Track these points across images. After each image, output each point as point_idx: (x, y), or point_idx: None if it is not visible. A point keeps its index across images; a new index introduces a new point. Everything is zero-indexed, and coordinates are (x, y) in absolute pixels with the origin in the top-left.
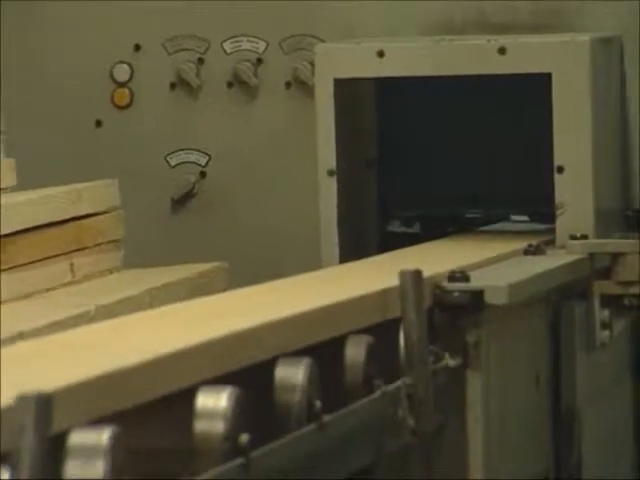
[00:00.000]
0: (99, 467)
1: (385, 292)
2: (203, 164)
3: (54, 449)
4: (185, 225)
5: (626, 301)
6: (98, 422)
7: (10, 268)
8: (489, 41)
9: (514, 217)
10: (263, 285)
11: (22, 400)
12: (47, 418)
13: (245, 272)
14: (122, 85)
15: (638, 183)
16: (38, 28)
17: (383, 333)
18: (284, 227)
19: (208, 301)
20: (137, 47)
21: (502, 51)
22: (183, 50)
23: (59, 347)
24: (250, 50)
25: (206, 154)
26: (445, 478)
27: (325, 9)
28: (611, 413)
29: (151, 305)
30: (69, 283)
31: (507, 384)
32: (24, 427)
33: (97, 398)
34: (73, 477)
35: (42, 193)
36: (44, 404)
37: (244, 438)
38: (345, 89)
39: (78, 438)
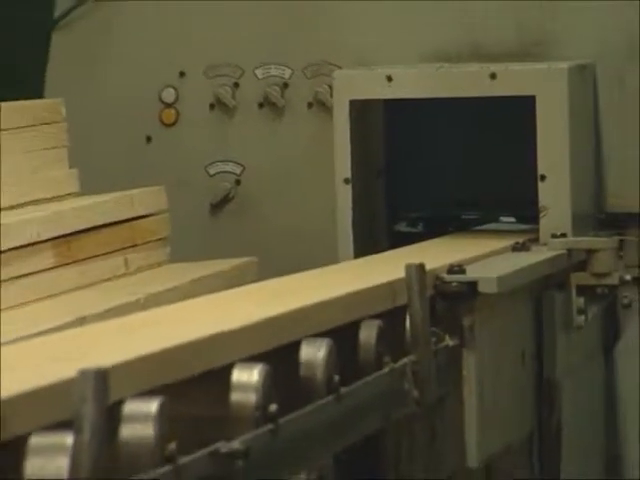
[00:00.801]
0: (149, 432)
1: (393, 283)
2: (238, 173)
3: (111, 417)
4: (222, 226)
5: (599, 290)
6: (148, 394)
7: (74, 262)
8: (481, 68)
9: (503, 218)
10: (288, 277)
11: (83, 374)
12: (104, 390)
13: (272, 266)
14: (169, 106)
15: (608, 190)
16: (99, 56)
17: (391, 318)
18: (306, 227)
19: (242, 290)
20: (182, 73)
21: (493, 76)
22: (221, 76)
23: (115, 330)
24: (278, 76)
25: (240, 165)
26: (445, 442)
27: (342, 41)
28: (586, 384)
29: (192, 294)
30: (123, 275)
31: (497, 361)
32: (85, 398)
33: (147, 373)
34: (127, 441)
35: (101, 198)
36: (101, 378)
37: (273, 408)
38: (359, 109)
39: (131, 407)
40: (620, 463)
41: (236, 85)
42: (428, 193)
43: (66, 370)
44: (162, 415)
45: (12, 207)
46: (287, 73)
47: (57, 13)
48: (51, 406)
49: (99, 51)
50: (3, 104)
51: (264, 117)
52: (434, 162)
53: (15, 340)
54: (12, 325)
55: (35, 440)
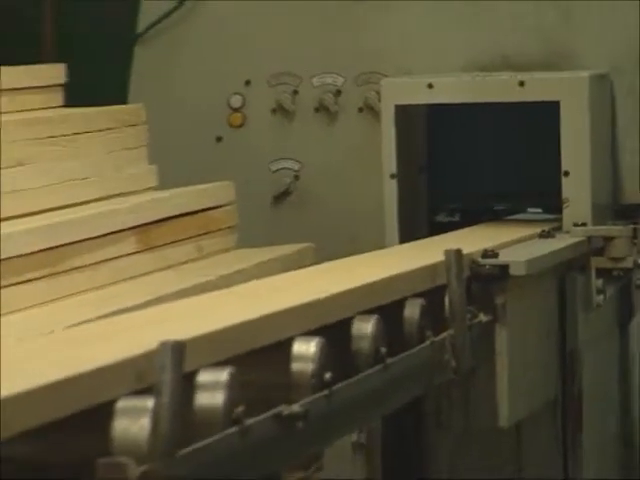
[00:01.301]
0: (219, 398)
1: (434, 266)
2: (296, 169)
3: (187, 384)
4: (282, 216)
5: (615, 273)
6: (219, 364)
7: (153, 248)
8: (511, 77)
9: (531, 209)
10: (341, 261)
11: (163, 346)
12: (180, 360)
13: (327, 251)
14: (236, 110)
15: (623, 184)
16: (175, 67)
17: (432, 297)
18: (356, 217)
19: (300, 273)
20: (247, 82)
21: (521, 84)
22: (282, 84)
23: (189, 307)
24: (332, 84)
25: (299, 162)
26: (479, 406)
27: (388, 53)
28: (603, 356)
29: (257, 276)
30: (196, 259)
31: (525, 335)
32: (164, 367)
33: (218, 346)
34: (201, 405)
35: (177, 192)
36: (178, 350)
37: (328, 376)
38: (403, 113)
39: (204, 376)
40: (634, 425)
41: (295, 92)
42: (464, 187)
43: (148, 343)
44: (231, 383)
45: (100, 199)
46: (340, 81)
47: (139, 30)
48: (135, 374)
49: (176, 62)
50: (91, 109)
51: (319, 120)
52: (469, 160)
53: (103, 316)
54: (101, 303)
55: (122, 404)
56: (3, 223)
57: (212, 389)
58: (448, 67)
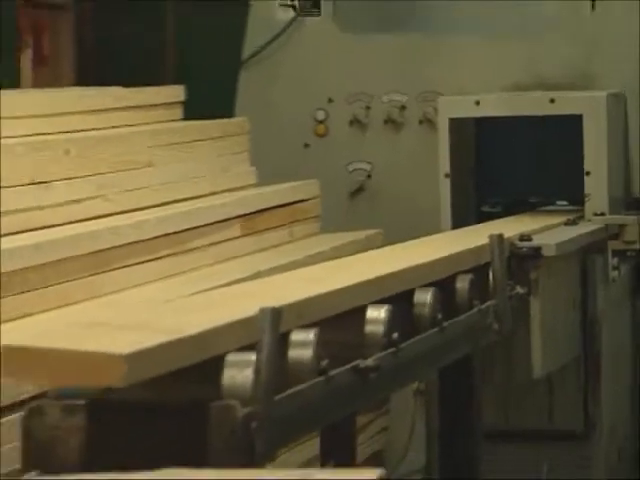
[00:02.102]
0: (308, 353)
1: (480, 247)
2: (369, 170)
3: (282, 342)
4: (357, 207)
5: (628, 253)
6: (307, 326)
7: (254, 233)
8: (543, 95)
9: (559, 202)
10: (405, 243)
11: (262, 312)
12: (277, 324)
13: (392, 236)
14: (321, 122)
15: (633, 182)
16: (273, 87)
17: (479, 272)
18: (417, 208)
19: (371, 253)
20: (330, 100)
21: (552, 101)
22: (357, 101)
23: (284, 280)
24: (398, 101)
25: (370, 164)
26: (517, 363)
27: (443, 76)
28: (618, 322)
29: (336, 256)
30: (288, 242)
31: (554, 304)
32: (263, 329)
33: (307, 312)
34: (294, 358)
35: (273, 188)
36: (276, 315)
37: (395, 336)
38: (455, 124)
39: (296, 336)
40: None
41: (368, 108)
42: (504, 184)
43: (250, 309)
44: (317, 341)
45: (211, 194)
46: (404, 99)
47: (244, 57)
48: (240, 334)
49: (272, 84)
50: (205, 122)
51: (387, 130)
52: (509, 161)
53: (213, 288)
54: (213, 277)
55: (230, 357)
56: (140, 212)
57: (302, 346)
58: (493, 88)
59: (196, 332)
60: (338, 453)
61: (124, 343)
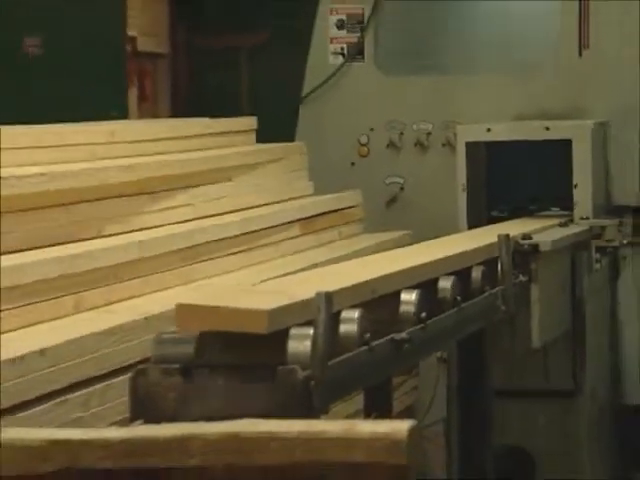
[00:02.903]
0: (354, 328)
1: (491, 244)
2: (402, 183)
3: (334, 320)
4: (392, 213)
5: (608, 249)
6: (354, 307)
7: (311, 233)
8: (541, 123)
9: (553, 208)
10: (429, 241)
11: (319, 295)
12: (330, 305)
13: (420, 237)
14: (363, 145)
15: (612, 192)
16: (326, 116)
17: (489, 264)
18: (440, 214)
19: (404, 249)
20: (371, 128)
21: (547, 129)
22: (393, 128)
23: (335, 270)
24: (425, 128)
25: (403, 178)
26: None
27: (461, 109)
28: (599, 304)
29: (375, 252)
30: (338, 240)
31: (549, 289)
32: (319, 308)
33: (353, 295)
34: (343, 332)
35: (327, 197)
36: (329, 297)
37: (423, 315)
38: (471, 147)
39: (345, 314)
40: (620, 351)
41: (401, 134)
42: (509, 194)
43: (308, 292)
44: (361, 318)
45: (278, 202)
46: (430, 127)
47: (304, 93)
48: (300, 312)
49: (326, 115)
50: (272, 145)
51: (417, 152)
52: (513, 176)
53: (276, 277)
54: (279, 268)
55: (293, 331)
56: (222, 216)
57: (350, 322)
58: (501, 117)
59: (269, 308)
60: (378, 407)
61: (264, 303)
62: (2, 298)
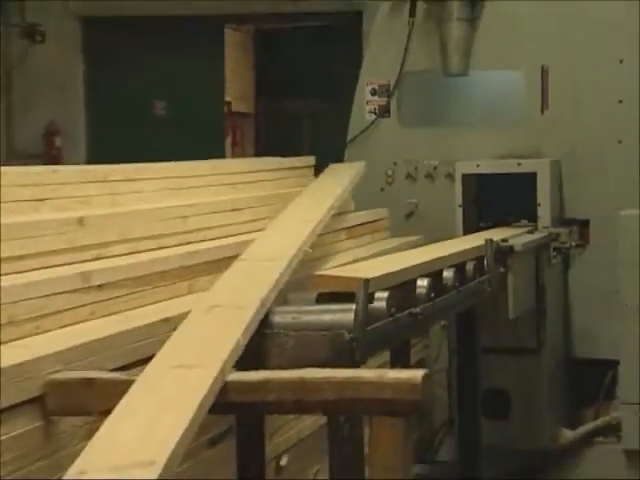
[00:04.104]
0: (384, 304)
1: (480, 246)
2: (416, 202)
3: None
4: (409, 224)
5: (562, 250)
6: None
7: (352, 237)
8: (514, 161)
9: (523, 221)
10: (436, 244)
11: (359, 281)
12: (367, 288)
13: (428, 240)
14: (389, 176)
15: (566, 208)
16: (362, 157)
17: (478, 260)
18: (443, 224)
19: (417, 249)
20: (395, 163)
21: (519, 164)
22: (409, 164)
23: (371, 264)
24: (433, 164)
25: (417, 199)
26: (500, 307)
27: (459, 151)
28: (555, 288)
29: (398, 250)
30: (373, 242)
31: (520, 278)
32: (360, 290)
33: (383, 281)
34: (375, 307)
35: (364, 212)
36: (366, 283)
37: (432, 294)
38: (465, 177)
39: (377, 295)
40: (570, 320)
41: (416, 168)
42: (493, 210)
43: (371, 272)
44: (389, 298)
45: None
46: (436, 163)
47: (347, 140)
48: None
49: (363, 154)
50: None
51: (427, 181)
52: (496, 197)
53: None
54: (331, 263)
55: (342, 306)
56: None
57: (381, 300)
58: (486, 157)
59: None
60: (400, 360)
61: (366, 273)
62: (143, 282)
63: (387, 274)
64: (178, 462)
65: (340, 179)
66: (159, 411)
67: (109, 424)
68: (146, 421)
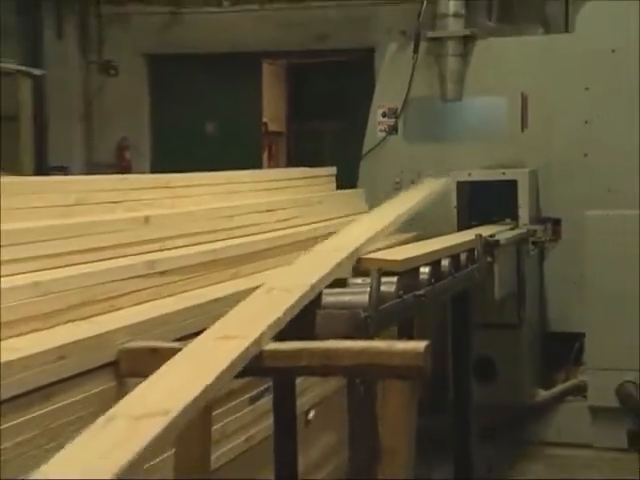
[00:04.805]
0: (393, 287)
1: (471, 240)
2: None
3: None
4: (412, 221)
5: (538, 243)
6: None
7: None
8: (499, 171)
9: (507, 220)
10: (436, 238)
11: (373, 271)
12: (380, 274)
13: (431, 235)
14: (397, 182)
15: (542, 210)
16: (375, 168)
17: (470, 252)
18: (442, 222)
19: (422, 242)
20: (401, 171)
21: (503, 173)
22: (413, 172)
23: (393, 251)
24: (432, 173)
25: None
26: (488, 288)
27: (454, 161)
28: (534, 274)
29: (405, 243)
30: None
31: (504, 266)
32: (374, 277)
33: (395, 267)
34: (385, 291)
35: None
36: (380, 270)
37: (433, 280)
38: (459, 184)
39: (388, 279)
40: (545, 301)
41: (418, 176)
42: (482, 210)
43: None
44: (397, 282)
45: (348, 215)
46: (435, 172)
47: (362, 154)
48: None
49: (376, 167)
50: (345, 190)
51: None
52: (484, 201)
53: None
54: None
55: (357, 289)
56: (316, 225)
57: (390, 284)
58: (476, 166)
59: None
60: (405, 333)
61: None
62: (197, 269)
63: (396, 260)
64: (195, 412)
65: (422, 192)
66: (191, 372)
67: (148, 382)
68: (178, 379)
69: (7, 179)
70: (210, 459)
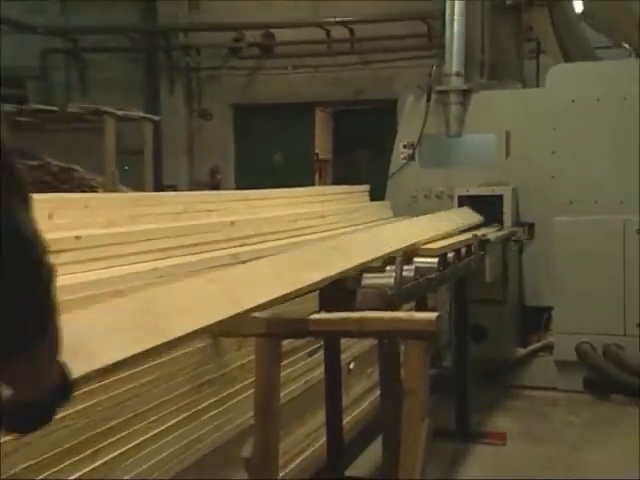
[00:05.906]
0: (412, 273)
1: (469, 238)
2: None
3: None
4: None
5: (518, 241)
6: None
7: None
8: (489, 188)
9: (494, 224)
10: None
11: (397, 256)
12: (403, 262)
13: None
14: (414, 197)
15: (521, 216)
16: (399, 187)
17: (469, 247)
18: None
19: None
20: (417, 190)
21: (492, 190)
22: (426, 189)
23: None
24: (440, 189)
25: (432, 212)
26: (481, 273)
27: (457, 181)
28: (514, 261)
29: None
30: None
31: (494, 258)
32: (398, 265)
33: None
34: (405, 275)
35: (398, 218)
36: (403, 259)
37: (441, 267)
38: (461, 198)
39: (408, 267)
40: (523, 283)
41: (430, 191)
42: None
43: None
44: (415, 268)
45: (378, 220)
46: (442, 189)
47: (389, 175)
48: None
49: (399, 185)
50: (375, 202)
51: (437, 200)
52: (479, 210)
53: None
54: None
55: (386, 273)
56: (352, 228)
57: (410, 270)
58: (472, 185)
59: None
60: (421, 307)
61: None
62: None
63: (413, 252)
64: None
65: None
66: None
67: None
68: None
69: (135, 194)
70: (280, 397)
